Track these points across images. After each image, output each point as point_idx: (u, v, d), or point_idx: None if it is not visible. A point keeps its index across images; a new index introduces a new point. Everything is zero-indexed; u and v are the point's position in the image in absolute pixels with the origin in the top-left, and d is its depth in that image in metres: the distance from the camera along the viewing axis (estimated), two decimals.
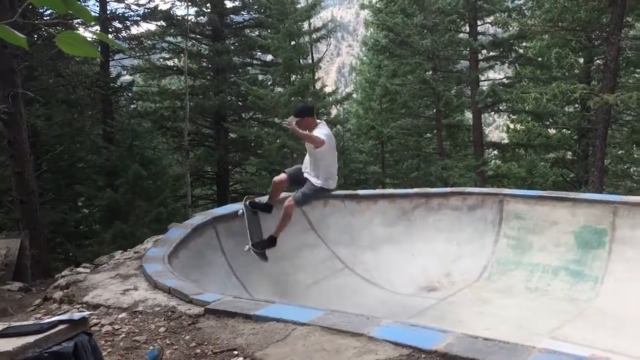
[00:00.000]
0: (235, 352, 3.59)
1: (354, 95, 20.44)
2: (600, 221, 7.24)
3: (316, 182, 6.32)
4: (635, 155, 21.61)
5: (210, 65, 20.49)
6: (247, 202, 6.88)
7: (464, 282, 7.53)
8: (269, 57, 20.65)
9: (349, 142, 16.53)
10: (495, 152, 19.47)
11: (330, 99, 16.46)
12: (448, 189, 9.04)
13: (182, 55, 19.21)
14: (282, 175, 6.69)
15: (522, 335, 5.77)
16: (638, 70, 20.29)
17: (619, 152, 22.10)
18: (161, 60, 21.51)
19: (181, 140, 18.55)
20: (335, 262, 7.70)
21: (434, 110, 16.71)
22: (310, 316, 3.94)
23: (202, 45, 21.27)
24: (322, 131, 6.15)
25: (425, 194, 8.69)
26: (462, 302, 6.91)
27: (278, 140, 15.69)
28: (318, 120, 6.34)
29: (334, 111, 19.69)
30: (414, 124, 16.95)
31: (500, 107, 17.00)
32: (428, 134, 18.30)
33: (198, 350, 3.67)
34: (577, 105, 19.79)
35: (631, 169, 23.11)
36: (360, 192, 8.93)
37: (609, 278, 6.83)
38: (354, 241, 7.99)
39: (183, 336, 3.92)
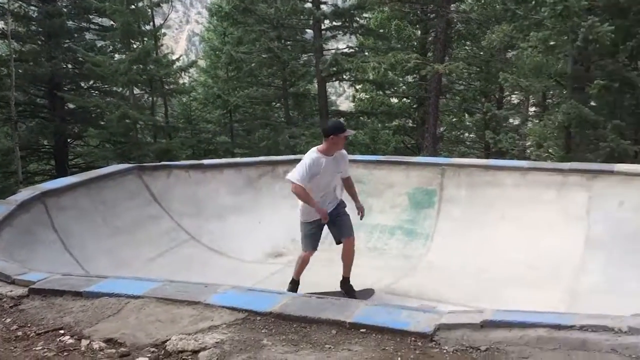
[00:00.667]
0: (62, 332, 3.38)
1: (200, 63, 20.00)
2: (430, 182, 7.81)
3: (300, 218, 5.99)
4: (467, 123, 23.52)
5: (40, 30, 18.80)
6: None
7: None
8: (109, 22, 19.39)
9: (196, 111, 16.15)
10: (342, 120, 20.14)
11: (175, 66, 15.89)
12: (293, 157, 9.18)
13: (5, 17, 17.37)
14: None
15: None
16: (468, 43, 21.94)
17: (453, 120, 23.92)
18: None
19: (9, 111, 16.90)
20: (180, 233, 7.54)
21: (281, 80, 16.84)
22: (145, 288, 3.82)
23: (31, 7, 19.41)
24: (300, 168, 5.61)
25: (271, 162, 8.77)
26: (307, 266, 7.11)
27: (119, 110, 14.87)
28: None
29: (181, 80, 19.13)
30: (262, 92, 16.98)
31: (344, 77, 17.57)
32: (276, 103, 18.46)
33: (20, 333, 3.40)
34: (415, 75, 21.03)
35: (464, 135, 25.14)
36: (206, 161, 8.78)
37: (437, 235, 7.40)
38: (200, 212, 7.87)
39: (3, 319, 3.61)
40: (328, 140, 5.72)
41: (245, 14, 15.41)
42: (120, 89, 17.54)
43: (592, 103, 11.50)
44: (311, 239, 5.97)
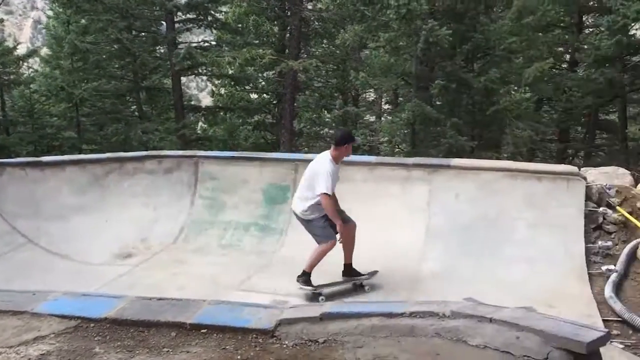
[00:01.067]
0: None
1: (43, 52, 18.47)
2: (284, 178, 7.88)
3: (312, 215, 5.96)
4: (326, 119, 24.11)
5: None
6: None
7: (160, 245, 7.50)
8: None
9: (38, 104, 14.91)
10: (199, 115, 19.72)
11: (12, 55, 14.57)
12: (143, 153, 8.85)
13: None
14: None
15: (213, 290, 6.02)
16: (325, 40, 22.45)
17: (312, 116, 24.39)
18: None
19: None
20: (15, 236, 6.96)
21: (132, 72, 16.09)
22: None
23: None
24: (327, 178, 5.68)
25: (118, 159, 8.37)
26: (157, 266, 6.89)
27: None
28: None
29: (22, 71, 17.56)
30: (114, 85, 16.10)
31: (200, 71, 17.22)
32: (128, 97, 17.62)
33: None
34: (274, 72, 21.14)
35: (323, 131, 25.74)
36: (45, 158, 8.17)
37: (291, 230, 7.48)
38: (38, 212, 7.31)
39: None
40: (341, 149, 5.83)
41: (90, 2, 14.46)
42: None
43: (438, 102, 12.34)
44: (331, 229, 5.92)
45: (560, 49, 17.79)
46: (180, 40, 17.17)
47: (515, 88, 11.74)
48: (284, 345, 3.08)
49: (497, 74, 10.86)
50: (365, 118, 21.79)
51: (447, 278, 6.18)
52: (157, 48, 17.48)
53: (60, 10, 15.77)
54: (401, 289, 5.99)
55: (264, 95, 22.43)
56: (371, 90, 21.47)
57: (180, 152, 8.94)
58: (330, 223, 5.91)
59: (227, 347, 3.06)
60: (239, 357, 2.96)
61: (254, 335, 3.17)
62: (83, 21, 15.39)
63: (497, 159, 10.33)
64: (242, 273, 6.61)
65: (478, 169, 7.19)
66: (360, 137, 12.08)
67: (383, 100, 23.10)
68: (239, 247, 7.42)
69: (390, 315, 3.12)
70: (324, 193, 5.64)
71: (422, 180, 7.41)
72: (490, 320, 2.86)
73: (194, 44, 17.40)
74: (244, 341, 3.13)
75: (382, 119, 17.98)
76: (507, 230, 6.70)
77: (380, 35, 11.42)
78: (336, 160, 5.88)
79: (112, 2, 14.51)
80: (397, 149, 14.39)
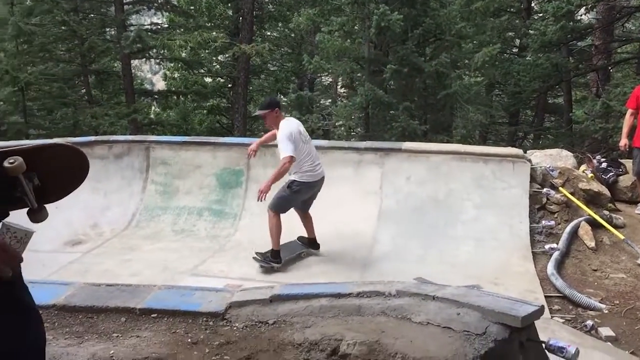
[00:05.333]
0: None
1: None
2: (237, 162, 7.89)
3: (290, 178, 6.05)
4: (282, 103, 24.06)
5: None
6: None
7: (111, 232, 7.42)
8: None
9: None
10: (150, 99, 19.36)
11: None
12: (92, 138, 8.67)
13: None
14: None
15: (166, 276, 6.04)
16: (280, 24, 22.32)
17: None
18: None
19: None
20: None
21: (80, 55, 15.68)
22: None
23: None
24: (284, 135, 5.85)
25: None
26: (109, 252, 6.81)
27: None
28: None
29: None
30: (62, 69, 15.64)
31: (151, 54, 16.91)
32: (76, 81, 17.16)
33: None
34: (227, 56, 20.91)
35: None
36: None
37: (245, 214, 7.54)
38: None
39: None
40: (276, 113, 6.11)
41: None
42: None
43: (392, 86, 12.47)
44: (291, 203, 6.19)
45: (510, 34, 18.18)
46: (131, 22, 16.77)
47: (466, 73, 11.97)
48: (234, 327, 3.13)
49: (447, 58, 11.04)
50: (320, 102, 21.82)
51: (399, 259, 6.34)
52: (106, 30, 17.03)
53: None
54: (353, 271, 6.11)
55: (219, 79, 22.20)
56: (326, 74, 21.51)
57: (131, 137, 8.82)
58: (299, 197, 6.13)
59: (177, 331, 3.09)
60: (189, 339, 2.99)
61: (204, 319, 3.21)
62: (28, 2, 14.87)
63: (449, 142, 10.55)
64: (196, 258, 6.61)
65: (428, 152, 7.37)
66: (314, 122, 12.11)
67: (339, 84, 23.17)
68: (192, 233, 7.40)
69: (338, 295, 3.20)
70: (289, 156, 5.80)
71: (375, 163, 7.55)
72: (433, 298, 2.97)
73: (146, 27, 17.03)
74: (194, 324, 3.17)
75: (338, 103, 18.02)
76: (456, 211, 6.91)
77: (333, 19, 11.43)
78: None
79: None
80: (352, 133, 14.49)
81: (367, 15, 10.66)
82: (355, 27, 11.94)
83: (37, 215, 2.23)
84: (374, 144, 7.90)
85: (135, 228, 7.52)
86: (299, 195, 6.13)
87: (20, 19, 13.27)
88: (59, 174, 2.23)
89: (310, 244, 6.58)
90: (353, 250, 6.67)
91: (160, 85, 30.07)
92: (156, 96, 18.95)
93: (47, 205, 2.26)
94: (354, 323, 3.01)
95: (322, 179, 6.23)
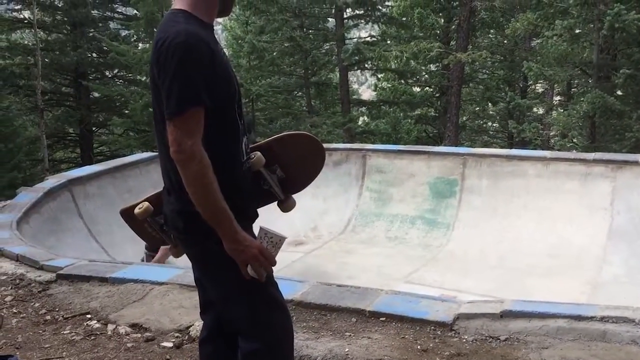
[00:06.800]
0: (89, 316, 3.48)
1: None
2: (451, 172, 7.78)
3: None
4: (490, 112, 23.29)
5: (66, 19, 19.02)
6: None
7: (329, 235, 7.80)
8: (133, 11, 19.53)
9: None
10: (363, 109, 20.05)
11: None
12: None
13: (32, 6, 17.60)
14: None
15: (381, 281, 6.15)
16: (492, 30, 21.67)
17: (476, 109, 23.69)
18: (9, 12, 19.56)
19: (36, 99, 17.19)
20: None
21: (303, 69, 16.85)
22: (170, 275, 3.90)
23: None
24: None
25: None
26: (327, 254, 7.18)
27: (142, 99, 15.02)
28: None
29: None
30: (284, 81, 17.00)
31: (366, 66, 17.51)
32: (298, 92, 18.46)
33: (48, 317, 3.51)
34: (438, 64, 20.86)
35: (487, 124, 24.89)
36: None
37: (458, 225, 7.39)
38: None
39: (32, 304, 3.72)
40: None
41: (267, 3, 15.37)
42: (144, 77, 17.68)
43: (619, 92, 11.32)
44: None
45: None
46: (347, 36, 17.61)
47: None
48: (464, 340, 3.07)
49: None
50: (533, 110, 20.67)
51: (632, 283, 5.70)
52: (326, 44, 18.07)
53: (240, 11, 16.96)
54: (579, 293, 5.64)
55: (427, 88, 22.22)
56: (541, 81, 20.31)
57: (349, 145, 9.20)
58: None
59: (406, 337, 3.12)
60: (418, 346, 3.01)
61: (432, 327, 3.20)
62: (259, 22, 16.42)
63: None
64: (409, 265, 6.65)
65: None
66: (531, 131, 11.46)
67: (554, 91, 21.72)
68: (405, 240, 7.46)
69: (578, 317, 2.97)
70: None
71: (605, 177, 6.90)
72: None
73: (361, 40, 17.73)
74: (422, 332, 3.17)
75: (554, 111, 16.88)
76: None
77: (557, 23, 10.71)
78: None
79: (286, 2, 15.28)
80: (571, 144, 13.46)
81: (597, 17, 9.82)
82: (578, 30, 11.10)
83: (285, 205, 2.40)
84: (604, 156, 7.23)
85: (351, 232, 7.82)
86: None
87: (254, 37, 14.68)
88: (299, 163, 2.37)
89: None
90: (577, 269, 6.16)
91: (365, 95, 31.04)
92: (368, 106, 19.57)
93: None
94: (599, 350, 2.77)
95: None
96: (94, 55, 19.39)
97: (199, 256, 2.09)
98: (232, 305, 2.08)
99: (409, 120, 21.14)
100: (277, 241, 1.96)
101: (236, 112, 1.98)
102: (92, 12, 18.79)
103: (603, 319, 2.92)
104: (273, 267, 2.02)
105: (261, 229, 1.96)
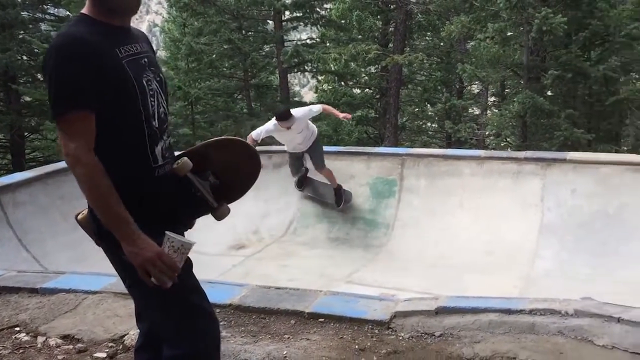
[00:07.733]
0: (18, 329, 3.35)
1: (160, 55, 19.68)
2: (390, 172, 7.91)
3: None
4: (429, 113, 23.77)
5: None
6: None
7: (270, 238, 7.78)
8: (65, 12, 18.88)
9: None
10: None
11: None
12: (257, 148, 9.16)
13: None
14: None
15: (322, 282, 6.18)
16: (429, 33, 22.12)
17: (415, 110, 24.14)
18: None
19: None
20: None
21: (243, 71, 16.74)
22: (103, 283, 3.79)
23: None
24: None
25: None
26: (268, 257, 7.16)
27: None
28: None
29: None
30: (223, 84, 16.84)
31: (306, 68, 17.56)
32: (238, 95, 18.33)
33: None
34: (377, 66, 21.14)
35: (426, 125, 25.39)
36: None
37: (398, 224, 7.52)
38: None
39: None
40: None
41: (205, 5, 15.22)
42: None
43: (548, 93, 11.78)
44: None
45: None
46: (286, 38, 17.61)
47: (637, 77, 10.98)
48: (400, 337, 3.12)
49: (617, 62, 10.20)
50: (470, 111, 21.22)
51: (563, 276, 5.95)
52: (266, 46, 18.01)
53: (177, 13, 16.69)
54: (512, 287, 5.84)
55: (367, 90, 22.48)
56: (476, 82, 20.90)
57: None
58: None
59: (344, 337, 3.15)
60: (356, 346, 3.04)
61: (370, 326, 3.24)
62: (197, 24, 16.20)
63: (617, 152, 9.73)
64: (350, 266, 6.72)
65: (598, 163, 6.84)
66: (466, 131, 11.78)
67: (489, 92, 22.39)
68: (346, 241, 7.53)
69: (508, 311, 3.07)
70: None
71: (535, 174, 7.16)
72: (618, 320, 2.74)
73: (300, 42, 17.77)
74: (360, 331, 3.21)
75: (489, 112, 17.42)
76: (631, 227, 6.32)
77: (489, 26, 11.07)
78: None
79: (224, 4, 15.13)
80: (505, 143, 13.92)
81: (526, 20, 10.20)
82: (510, 33, 11.49)
83: (218, 212, 2.31)
84: (535, 154, 7.50)
85: (292, 235, 7.82)
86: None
87: (191, 39, 14.47)
88: (233, 169, 2.29)
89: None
90: (511, 264, 6.37)
91: (307, 97, 31.13)
92: None
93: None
94: (528, 342, 2.87)
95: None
96: (24, 58, 18.65)
97: (117, 264, 2.04)
98: (153, 312, 2.05)
99: (350, 122, 21.30)
100: (178, 246, 1.86)
101: (142, 115, 1.91)
102: (22, 13, 18.04)
103: (532, 312, 3.03)
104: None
105: (165, 234, 1.87)
